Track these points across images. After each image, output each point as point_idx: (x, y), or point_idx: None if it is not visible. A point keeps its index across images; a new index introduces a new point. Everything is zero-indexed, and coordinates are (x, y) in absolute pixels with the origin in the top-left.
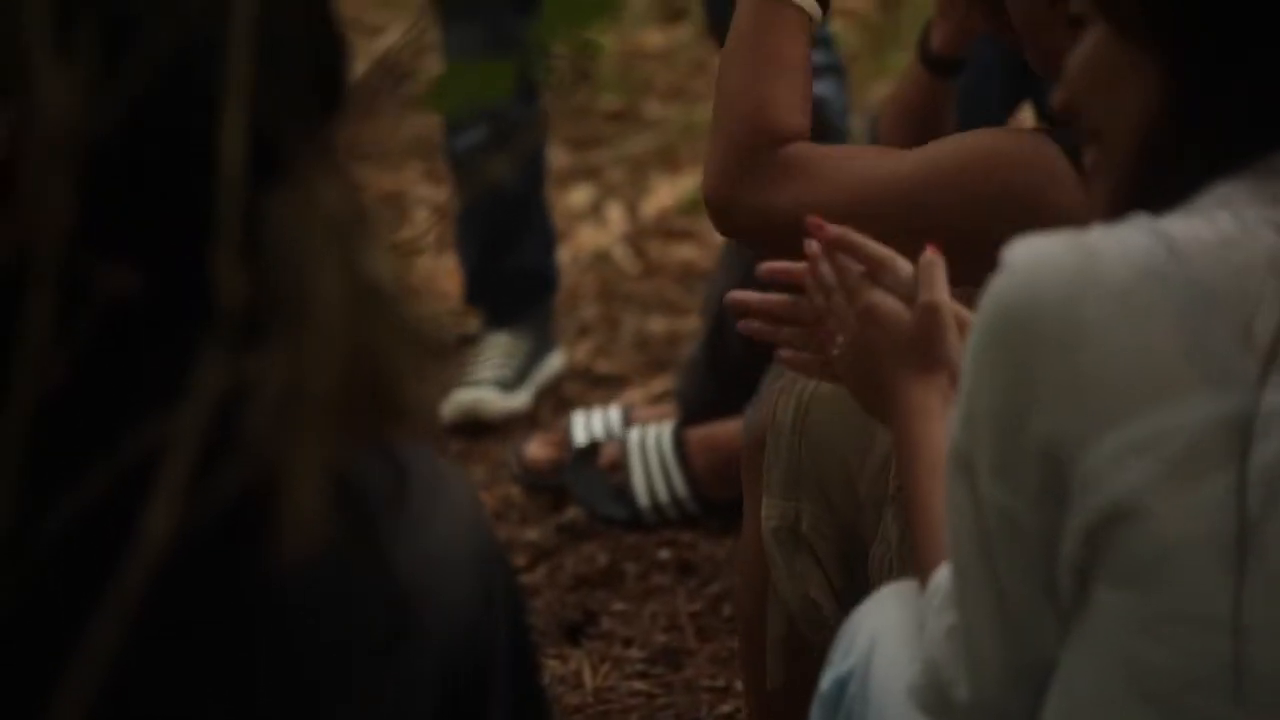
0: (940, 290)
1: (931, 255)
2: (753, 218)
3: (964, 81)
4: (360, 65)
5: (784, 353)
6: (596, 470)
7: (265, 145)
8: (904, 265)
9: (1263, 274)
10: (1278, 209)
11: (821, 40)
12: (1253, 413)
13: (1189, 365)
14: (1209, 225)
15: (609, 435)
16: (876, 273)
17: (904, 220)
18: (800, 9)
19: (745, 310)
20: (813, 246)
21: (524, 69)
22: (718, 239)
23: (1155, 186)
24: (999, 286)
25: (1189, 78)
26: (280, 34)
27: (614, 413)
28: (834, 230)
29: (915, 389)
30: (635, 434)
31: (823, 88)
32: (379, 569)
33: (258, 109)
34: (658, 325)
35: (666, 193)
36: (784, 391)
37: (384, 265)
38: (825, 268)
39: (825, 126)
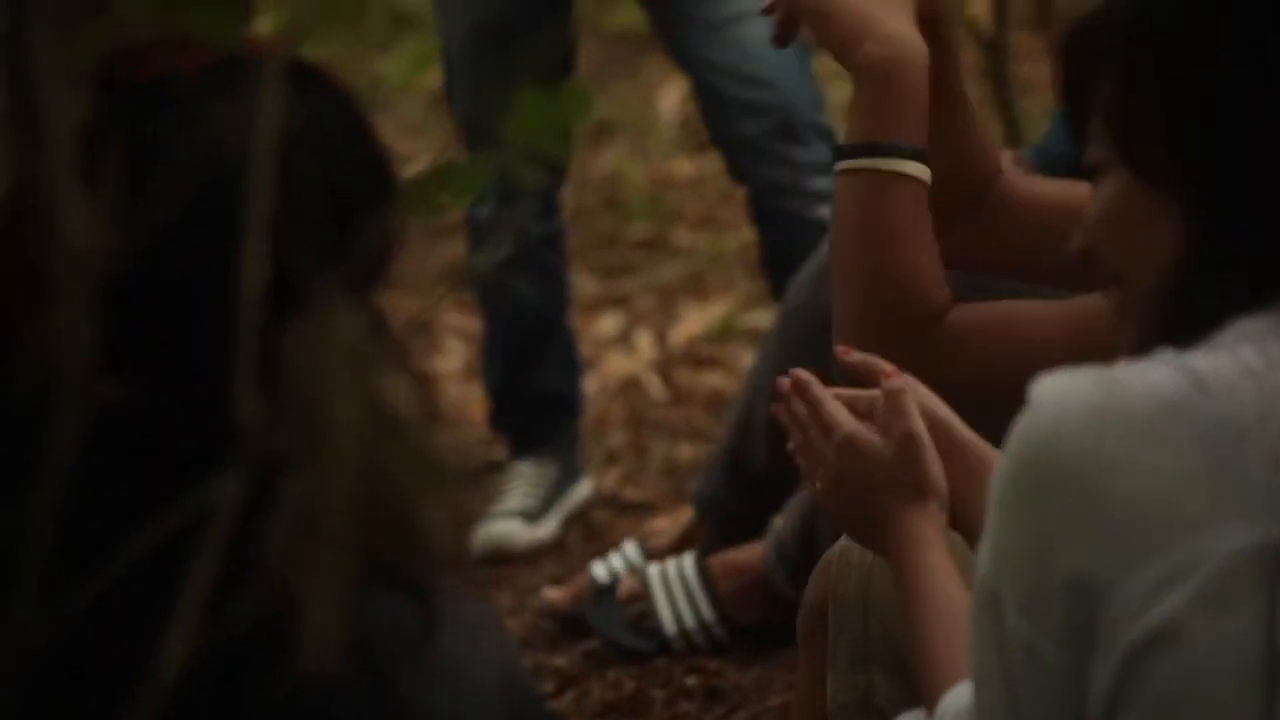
0: (914, 418)
1: (897, 383)
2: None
3: None
4: None
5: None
6: (615, 603)
7: (284, 271)
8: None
9: None
10: None
11: None
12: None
13: (1216, 496)
14: (1232, 359)
15: (629, 568)
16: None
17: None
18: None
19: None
20: (783, 383)
21: (502, 172)
22: (746, 366)
23: (1178, 324)
24: (1025, 424)
25: (1212, 220)
26: (304, 165)
27: (630, 547)
28: (856, 358)
29: (908, 519)
30: (655, 568)
31: None
32: (394, 711)
33: (278, 236)
34: (686, 453)
35: (695, 320)
36: (841, 562)
37: (403, 392)
38: (798, 406)
39: None
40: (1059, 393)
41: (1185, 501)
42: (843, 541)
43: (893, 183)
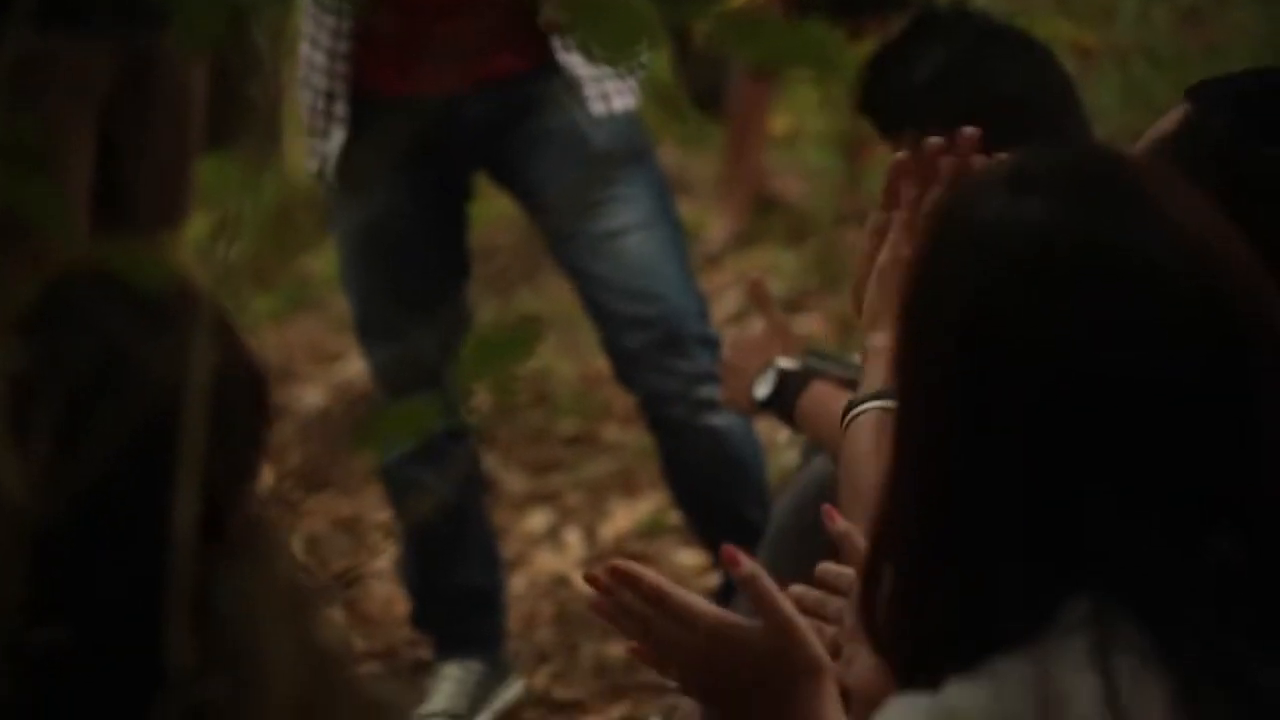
0: (779, 602)
1: (747, 569)
2: None
3: None
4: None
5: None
6: None
7: (213, 510)
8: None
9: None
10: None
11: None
12: None
13: None
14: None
15: None
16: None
17: None
18: None
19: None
20: (602, 579)
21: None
22: (676, 563)
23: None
24: None
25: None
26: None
27: None
28: (747, 569)
29: (802, 704)
30: None
31: (725, 418)
32: None
33: (207, 476)
34: (617, 651)
35: (624, 517)
36: None
37: (332, 630)
38: (628, 596)
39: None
40: None
41: None
42: None
43: None
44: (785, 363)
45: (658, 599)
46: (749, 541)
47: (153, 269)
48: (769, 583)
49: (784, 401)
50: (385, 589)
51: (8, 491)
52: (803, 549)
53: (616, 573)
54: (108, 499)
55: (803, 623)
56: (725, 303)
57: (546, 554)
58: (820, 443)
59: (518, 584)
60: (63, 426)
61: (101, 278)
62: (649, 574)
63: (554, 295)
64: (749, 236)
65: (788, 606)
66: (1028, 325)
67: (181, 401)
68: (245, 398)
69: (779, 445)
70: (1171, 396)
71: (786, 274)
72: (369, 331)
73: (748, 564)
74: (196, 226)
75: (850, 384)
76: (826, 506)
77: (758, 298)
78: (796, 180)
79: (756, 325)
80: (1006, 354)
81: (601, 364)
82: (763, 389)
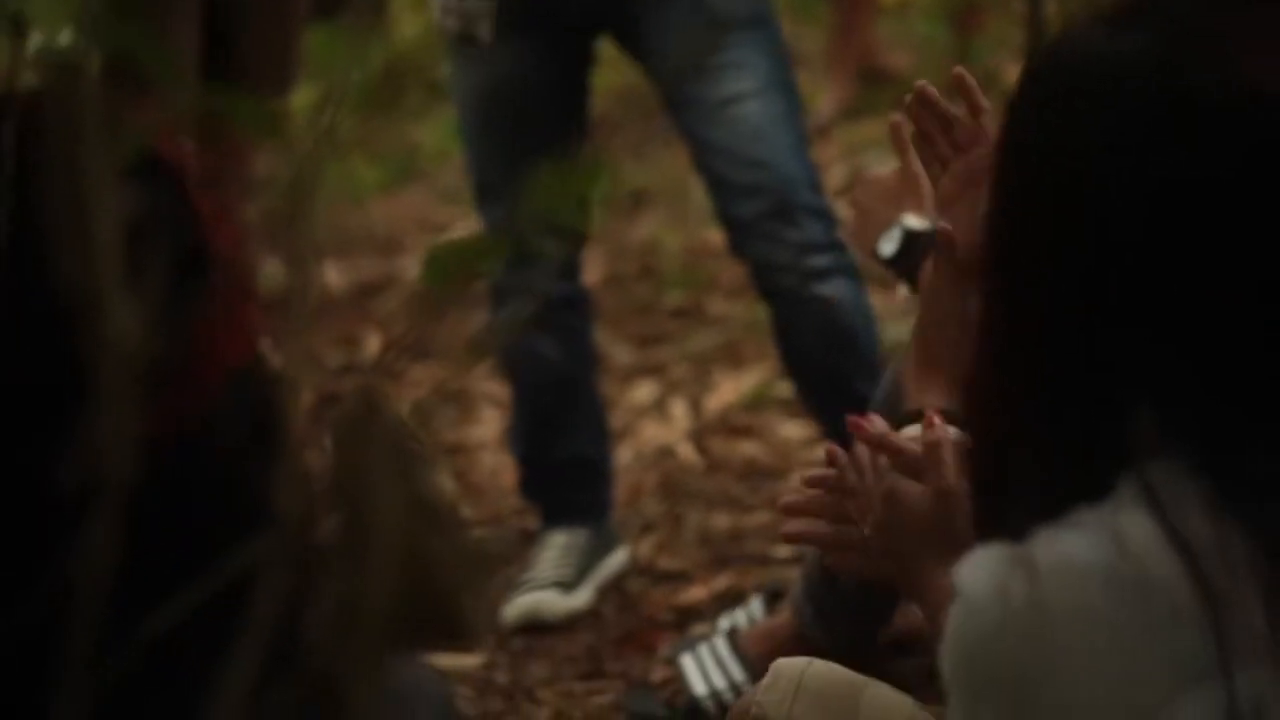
0: (950, 473)
1: (936, 435)
2: None
3: None
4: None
5: (823, 544)
6: (649, 689)
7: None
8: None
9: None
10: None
11: (832, 244)
12: (1230, 702)
13: (1166, 671)
14: (1149, 519)
15: (731, 685)
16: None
17: None
18: None
19: (794, 512)
20: (853, 425)
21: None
22: (781, 436)
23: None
24: (960, 625)
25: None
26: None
27: (721, 646)
28: (876, 430)
29: (937, 575)
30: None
31: (835, 287)
32: None
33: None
34: (721, 522)
35: (730, 389)
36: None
37: (440, 482)
38: (861, 451)
39: (843, 330)
40: (991, 592)
41: (1137, 683)
42: (757, 694)
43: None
44: (913, 222)
45: (873, 455)
46: (858, 413)
47: (266, 121)
48: (948, 452)
49: (909, 263)
50: (492, 458)
51: (123, 335)
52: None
53: (864, 431)
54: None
55: (965, 500)
56: (833, 175)
57: (652, 425)
58: None
59: (623, 455)
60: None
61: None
62: (885, 435)
63: (661, 168)
64: (857, 108)
65: (955, 478)
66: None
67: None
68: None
69: (892, 315)
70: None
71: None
72: (486, 194)
73: (940, 430)
74: (303, 97)
75: None
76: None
77: (897, 141)
78: (905, 52)
79: (888, 169)
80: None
81: (708, 236)
82: (888, 246)
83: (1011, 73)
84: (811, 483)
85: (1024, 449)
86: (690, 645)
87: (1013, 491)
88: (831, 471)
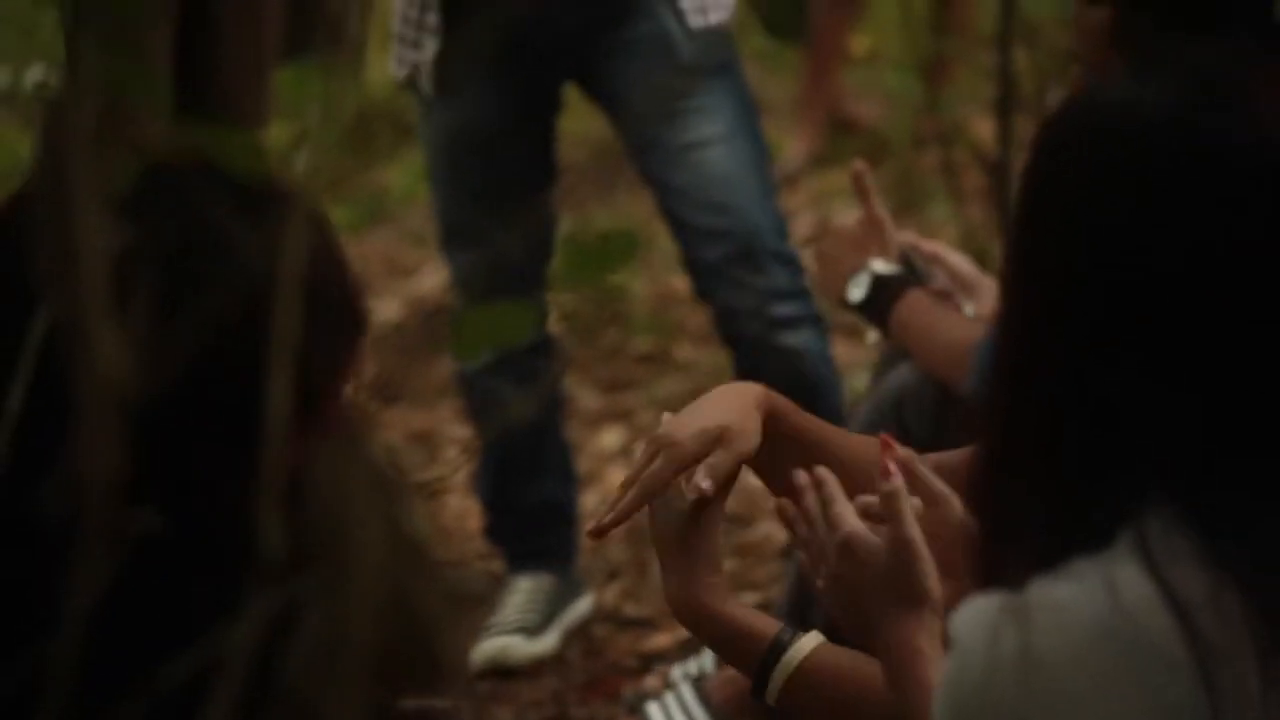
0: (908, 523)
1: (893, 485)
2: None
3: None
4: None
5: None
6: None
7: (307, 400)
8: (956, 505)
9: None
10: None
11: (797, 292)
12: None
13: None
14: (1143, 573)
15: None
16: (937, 509)
17: None
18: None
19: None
20: (801, 478)
21: (540, 310)
22: (749, 483)
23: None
24: (954, 668)
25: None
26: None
27: (687, 694)
28: (898, 479)
29: (899, 628)
30: (653, 702)
31: (800, 337)
32: None
33: (301, 366)
34: None
35: None
36: None
37: (421, 517)
38: (810, 499)
39: (807, 380)
40: (984, 642)
41: None
42: None
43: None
44: (881, 266)
45: (826, 504)
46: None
47: (248, 154)
48: (905, 502)
49: (878, 306)
50: (459, 503)
51: (109, 369)
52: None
53: (814, 477)
54: (204, 382)
55: (924, 550)
56: (801, 224)
57: (619, 471)
58: (913, 352)
59: (590, 501)
60: (162, 306)
61: (198, 163)
62: (831, 483)
63: (627, 213)
64: (826, 158)
65: (914, 530)
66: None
67: (277, 287)
68: (340, 290)
69: (857, 365)
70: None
71: None
72: (453, 237)
73: (897, 479)
74: (274, 136)
75: (943, 294)
76: (883, 435)
77: (859, 188)
78: (874, 102)
79: (853, 217)
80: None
81: (675, 283)
82: (856, 292)
83: (980, 125)
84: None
85: (1027, 496)
86: (649, 695)
87: (1013, 540)
88: (782, 506)
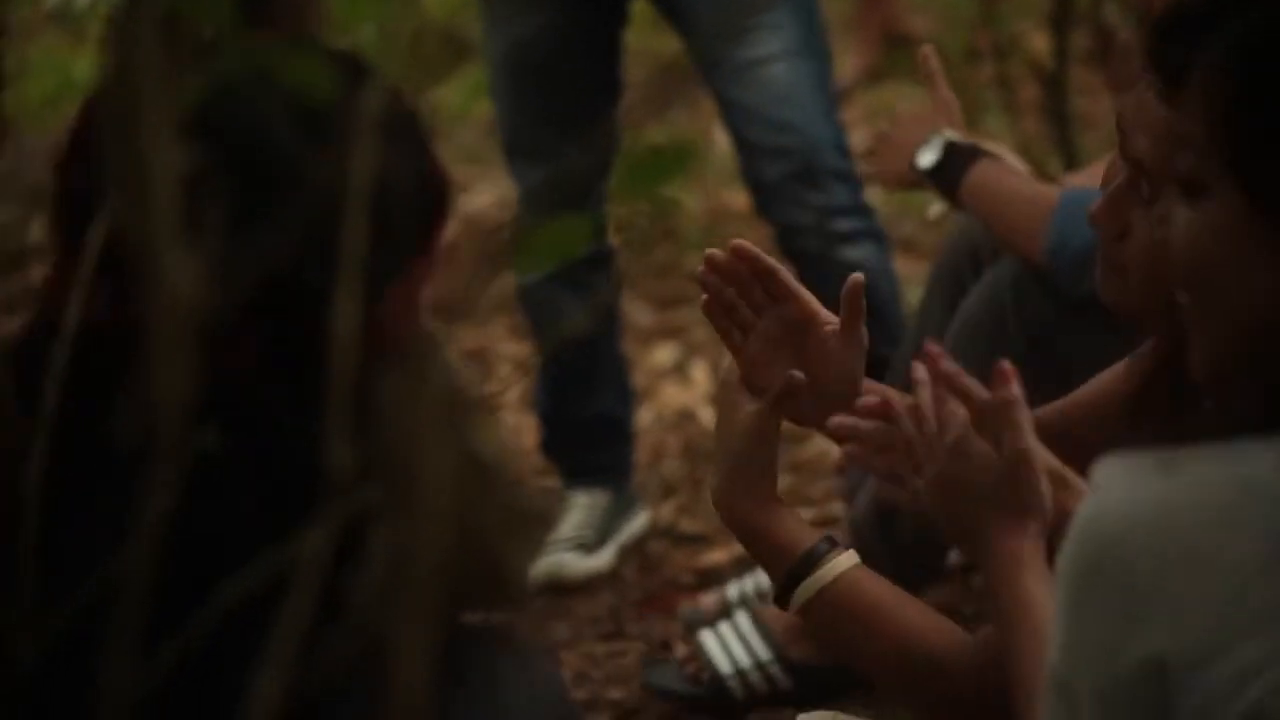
0: (1028, 434)
1: (1010, 393)
2: None
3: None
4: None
5: (879, 472)
6: (672, 663)
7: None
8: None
9: None
10: None
11: (857, 208)
12: None
13: None
14: None
15: (756, 663)
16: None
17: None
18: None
19: (848, 435)
20: (920, 372)
21: (599, 222)
22: None
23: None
24: (1090, 511)
25: None
26: (390, 203)
27: (744, 621)
28: (949, 367)
29: (1008, 537)
30: (708, 628)
31: (860, 251)
32: None
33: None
34: None
35: None
36: None
37: (489, 440)
38: (925, 395)
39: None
40: (1126, 485)
41: (1261, 590)
42: None
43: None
44: (953, 134)
45: (939, 401)
46: (875, 378)
47: (313, 71)
48: (1023, 411)
49: (949, 173)
50: (514, 419)
51: (180, 289)
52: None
53: (937, 369)
54: (274, 301)
55: (1040, 463)
56: (856, 139)
57: (673, 388)
58: (986, 218)
59: (644, 417)
60: (231, 226)
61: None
62: (959, 376)
63: (681, 128)
64: (880, 73)
65: (1031, 440)
66: None
67: (346, 202)
68: (418, 200)
69: (915, 280)
70: None
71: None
72: (517, 152)
73: (1015, 388)
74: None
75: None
76: (928, 346)
77: (927, 70)
78: (928, 17)
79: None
80: None
81: (729, 198)
82: (928, 157)
83: (1034, 39)
84: (868, 411)
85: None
86: (705, 613)
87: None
88: (888, 398)
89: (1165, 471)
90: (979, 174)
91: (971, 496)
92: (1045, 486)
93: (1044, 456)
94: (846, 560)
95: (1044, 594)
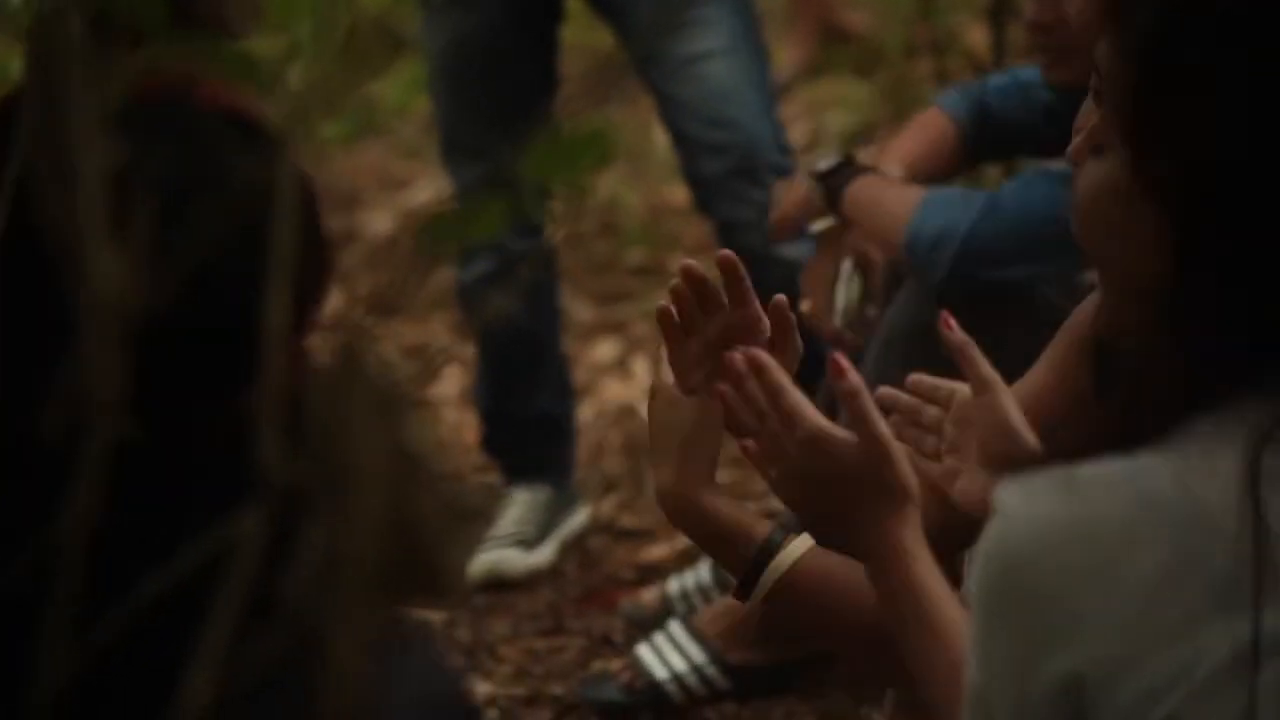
0: (877, 420)
1: (852, 383)
2: None
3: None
4: (385, 218)
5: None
6: (606, 675)
7: (300, 310)
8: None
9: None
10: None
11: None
12: (1258, 634)
13: (1196, 595)
14: (1206, 460)
15: (692, 667)
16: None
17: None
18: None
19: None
20: (737, 361)
21: (519, 206)
22: None
23: (1151, 415)
24: (997, 535)
25: (1194, 254)
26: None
27: (678, 631)
28: (854, 378)
29: (880, 528)
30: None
31: (799, 249)
32: None
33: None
34: None
35: None
36: None
37: (422, 433)
38: (753, 386)
39: None
40: (1028, 507)
41: (1169, 602)
42: None
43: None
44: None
45: (773, 393)
46: (816, 372)
47: (241, 67)
48: (868, 400)
49: (835, 181)
50: (454, 415)
51: (107, 286)
52: (913, 352)
53: (751, 361)
54: (202, 299)
55: (897, 445)
56: (795, 133)
57: (614, 384)
58: (858, 222)
59: (585, 413)
60: (159, 225)
61: (190, 79)
62: (775, 367)
63: (622, 124)
64: (818, 67)
65: (883, 426)
66: None
67: (271, 205)
68: (314, 211)
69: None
70: None
71: (855, 105)
72: (454, 149)
73: (853, 377)
74: (264, 50)
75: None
76: (944, 313)
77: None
78: (865, 11)
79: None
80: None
81: (669, 194)
82: (824, 162)
83: (973, 33)
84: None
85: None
86: (647, 613)
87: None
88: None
89: (1065, 491)
90: (860, 184)
91: (833, 491)
92: (907, 467)
93: (900, 446)
94: (802, 544)
95: (936, 585)
